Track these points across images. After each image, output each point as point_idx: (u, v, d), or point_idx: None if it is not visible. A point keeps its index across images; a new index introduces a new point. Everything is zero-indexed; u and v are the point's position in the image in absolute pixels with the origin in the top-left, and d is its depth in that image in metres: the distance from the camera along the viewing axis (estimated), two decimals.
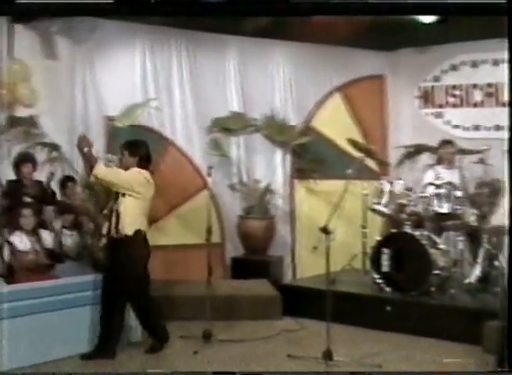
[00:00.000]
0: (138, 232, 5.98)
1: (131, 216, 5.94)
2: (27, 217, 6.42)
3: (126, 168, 6.10)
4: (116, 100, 8.10)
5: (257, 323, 7.16)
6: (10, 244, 6.27)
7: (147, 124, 8.31)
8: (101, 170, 5.89)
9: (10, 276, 6.16)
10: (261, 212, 8.69)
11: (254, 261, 8.48)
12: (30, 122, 7.84)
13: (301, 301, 7.52)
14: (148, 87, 8.46)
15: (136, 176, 6.02)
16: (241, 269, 8.48)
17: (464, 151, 8.22)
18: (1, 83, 8.10)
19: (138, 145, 6.24)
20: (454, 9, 5.22)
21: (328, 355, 5.74)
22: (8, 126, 7.83)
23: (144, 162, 6.16)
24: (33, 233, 6.42)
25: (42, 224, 6.76)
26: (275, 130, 8.95)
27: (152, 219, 8.02)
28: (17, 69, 8.06)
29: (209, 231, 6.62)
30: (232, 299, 7.43)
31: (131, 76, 8.39)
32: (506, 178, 4.97)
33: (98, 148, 7.96)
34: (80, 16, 6.58)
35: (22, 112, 8.02)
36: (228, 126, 8.79)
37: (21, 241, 6.32)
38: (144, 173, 6.09)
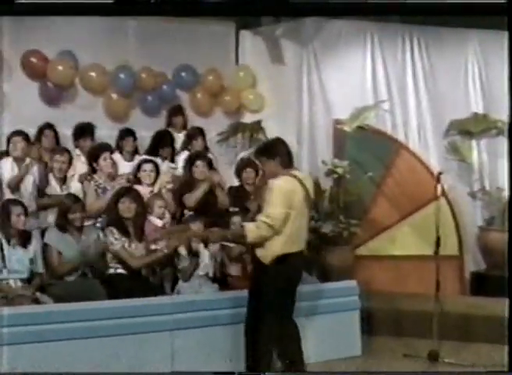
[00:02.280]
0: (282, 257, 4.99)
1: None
2: (236, 225, 6.21)
3: (273, 175, 5.10)
4: (345, 102, 7.79)
5: (493, 348, 6.28)
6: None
7: (378, 127, 7.86)
8: (252, 234, 4.89)
9: (223, 282, 6.03)
10: (505, 224, 7.78)
11: (496, 277, 7.56)
12: (256, 127, 7.81)
13: None
14: (379, 87, 8.04)
15: (279, 201, 4.91)
16: (481, 285, 7.67)
17: None
18: (227, 90, 8.21)
19: (273, 144, 5.27)
20: (454, 9, 5.04)
21: None
22: (235, 132, 7.85)
23: (287, 161, 5.12)
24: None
25: None
26: None
27: (382, 228, 7.68)
28: (243, 75, 8.11)
29: (438, 243, 6.05)
30: (465, 318, 6.70)
31: (360, 77, 8.04)
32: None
33: (325, 152, 7.81)
34: (79, 15, 6.46)
35: (248, 117, 8.03)
36: (468, 128, 8.05)
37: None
38: (287, 181, 5.01)
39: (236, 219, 6.23)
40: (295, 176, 5.10)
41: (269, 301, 5.04)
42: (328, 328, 5.93)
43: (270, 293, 5.03)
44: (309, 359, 5.55)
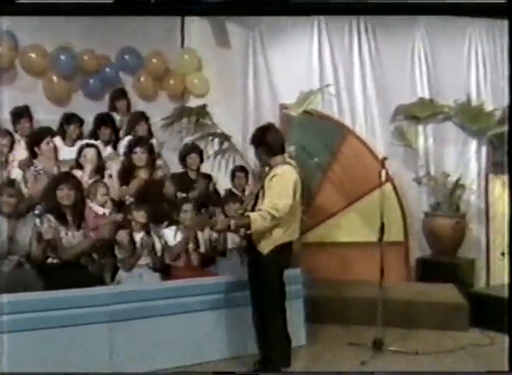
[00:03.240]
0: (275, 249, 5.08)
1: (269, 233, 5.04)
2: (187, 212, 6.10)
3: (264, 163, 5.26)
4: (291, 87, 7.64)
5: (438, 334, 6.36)
6: (161, 238, 6.01)
7: (324, 112, 7.74)
8: (257, 224, 4.91)
9: (165, 271, 5.89)
10: (451, 210, 7.78)
11: (441, 263, 7.59)
12: (201, 112, 7.67)
13: (493, 312, 6.53)
14: (326, 72, 7.89)
15: (287, 192, 4.97)
16: (427, 271, 7.65)
17: None
18: (171, 73, 8.05)
19: (260, 132, 5.23)
20: (454, 9, 5.19)
21: None
22: (179, 117, 7.71)
23: (274, 149, 5.12)
24: (189, 229, 6.09)
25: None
26: (470, 118, 7.96)
27: (328, 214, 7.60)
28: (188, 59, 7.97)
29: (382, 229, 5.99)
30: (410, 304, 6.67)
31: (307, 61, 7.87)
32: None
33: None
34: (79, 16, 6.50)
35: (193, 102, 7.90)
36: (414, 113, 7.96)
37: (174, 236, 6.03)
38: (290, 170, 5.10)
39: (187, 206, 6.11)
40: (291, 165, 5.14)
41: (266, 291, 5.14)
42: None
43: (267, 283, 5.11)
44: (251, 350, 5.51)
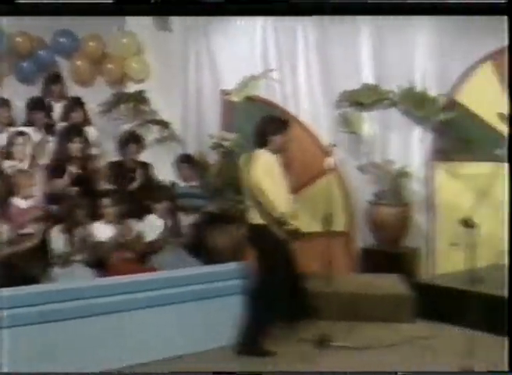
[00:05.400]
0: None
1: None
2: (107, 207, 5.89)
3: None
4: (233, 72, 7.49)
5: (384, 327, 6.22)
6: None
7: (267, 98, 7.54)
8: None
9: (99, 267, 5.63)
10: (395, 198, 7.64)
11: (385, 253, 7.48)
12: (140, 98, 7.44)
13: (439, 303, 6.46)
14: (269, 57, 7.70)
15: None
16: (370, 261, 7.52)
17: None
18: (110, 57, 7.76)
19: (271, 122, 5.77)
20: (454, 9, 5.16)
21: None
22: (117, 103, 7.46)
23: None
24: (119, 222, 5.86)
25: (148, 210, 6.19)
26: (414, 104, 7.81)
27: None
28: (127, 43, 7.71)
29: (328, 219, 5.83)
30: (355, 297, 6.53)
31: (250, 46, 7.69)
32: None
33: (213, 124, 7.48)
34: (80, 16, 6.25)
35: (131, 87, 7.65)
36: (359, 99, 7.80)
37: (103, 231, 5.79)
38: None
39: (106, 201, 5.88)
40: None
41: None
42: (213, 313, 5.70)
43: None
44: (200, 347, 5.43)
